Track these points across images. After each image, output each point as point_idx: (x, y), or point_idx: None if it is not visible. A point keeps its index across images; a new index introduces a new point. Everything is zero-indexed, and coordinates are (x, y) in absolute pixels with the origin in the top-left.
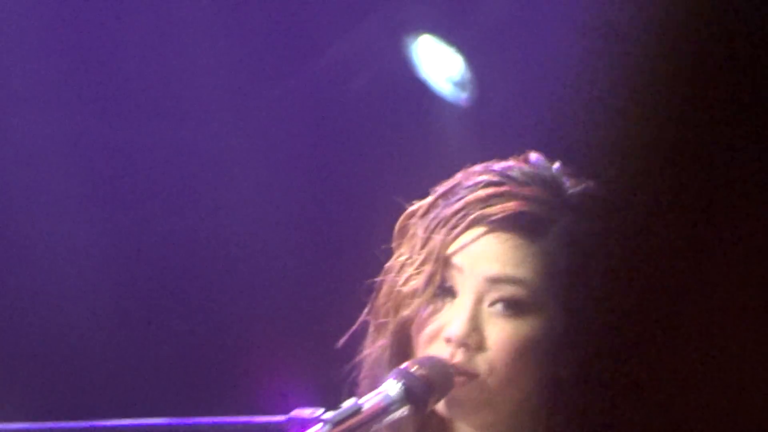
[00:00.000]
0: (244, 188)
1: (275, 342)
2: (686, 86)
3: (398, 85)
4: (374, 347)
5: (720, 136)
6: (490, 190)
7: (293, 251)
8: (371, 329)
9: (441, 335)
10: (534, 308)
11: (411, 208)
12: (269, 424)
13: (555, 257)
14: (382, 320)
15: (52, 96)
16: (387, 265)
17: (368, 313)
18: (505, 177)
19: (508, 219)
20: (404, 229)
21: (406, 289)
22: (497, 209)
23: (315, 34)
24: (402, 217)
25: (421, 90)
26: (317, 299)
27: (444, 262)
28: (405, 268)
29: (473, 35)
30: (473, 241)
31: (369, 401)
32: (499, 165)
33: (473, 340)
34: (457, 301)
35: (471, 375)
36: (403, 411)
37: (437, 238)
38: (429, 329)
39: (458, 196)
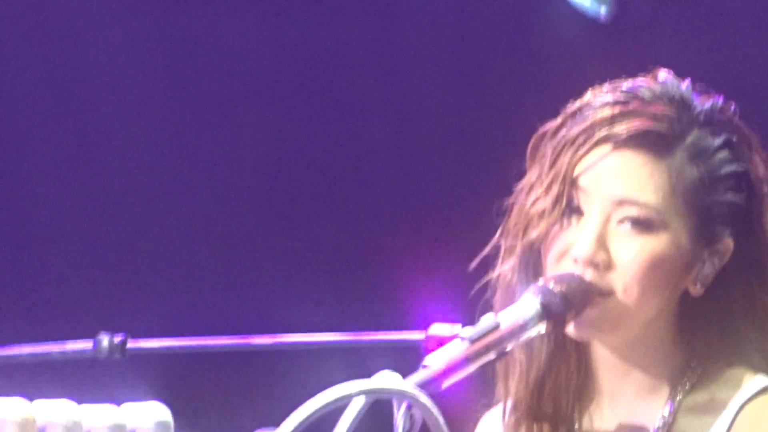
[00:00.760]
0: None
1: (415, 259)
2: None
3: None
4: (505, 269)
5: None
6: (616, 109)
7: (433, 170)
8: (503, 250)
9: (569, 255)
10: (661, 225)
11: (542, 129)
12: (408, 340)
13: (682, 173)
14: (512, 241)
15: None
16: (518, 186)
17: (500, 235)
18: (631, 95)
19: (633, 137)
20: (535, 150)
21: (534, 209)
22: (622, 128)
23: None
24: (534, 138)
25: (559, 3)
26: (456, 218)
27: (570, 183)
28: (534, 189)
29: None
30: (599, 160)
31: (506, 318)
32: (627, 83)
33: (601, 258)
34: (583, 220)
35: (606, 293)
36: (540, 328)
37: (564, 158)
38: (556, 249)
39: (585, 116)
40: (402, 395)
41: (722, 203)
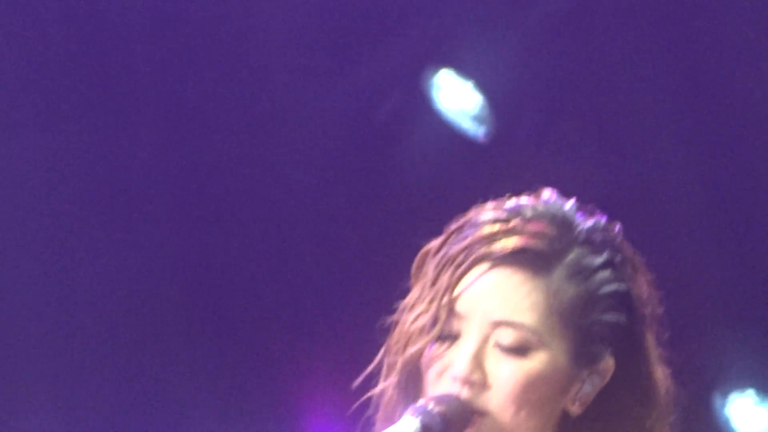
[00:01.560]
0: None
1: (299, 374)
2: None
3: (416, 120)
4: (386, 385)
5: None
6: (496, 227)
7: (315, 290)
8: (385, 367)
9: (447, 374)
10: (538, 345)
11: (426, 247)
12: None
13: (560, 292)
14: (393, 358)
15: None
16: (403, 302)
17: (384, 352)
18: (513, 214)
19: (511, 255)
20: (419, 268)
21: (414, 327)
22: (500, 246)
23: (336, 63)
24: (419, 255)
25: (438, 124)
26: (341, 335)
27: (450, 302)
28: (416, 307)
29: (492, 70)
30: (477, 278)
31: None
32: (510, 202)
33: (477, 377)
34: (461, 340)
35: (482, 412)
36: None
37: (444, 277)
38: (435, 368)
39: (466, 234)
40: None
41: (602, 323)
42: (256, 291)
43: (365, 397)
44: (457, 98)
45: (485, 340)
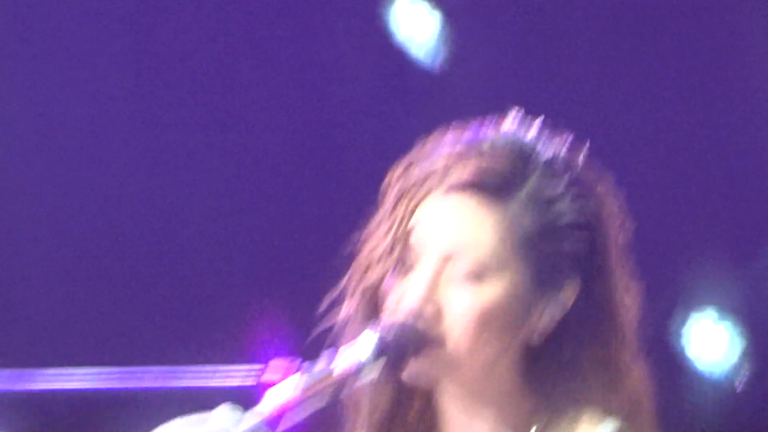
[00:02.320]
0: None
1: (260, 297)
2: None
3: (375, 48)
4: (347, 311)
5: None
6: (453, 157)
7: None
8: (347, 293)
9: (402, 305)
10: (493, 276)
11: (390, 175)
12: (245, 374)
13: (517, 223)
14: (354, 285)
15: None
16: (366, 230)
17: (348, 277)
18: (471, 142)
19: (466, 186)
20: (383, 194)
21: (372, 255)
22: (456, 176)
23: None
24: (384, 183)
25: (397, 52)
26: (306, 256)
27: (405, 233)
28: (374, 235)
29: None
30: (432, 209)
31: (341, 363)
32: (469, 130)
33: (430, 309)
34: (416, 271)
35: (437, 342)
36: (373, 376)
37: (401, 206)
38: (392, 298)
39: (424, 164)
40: None
41: (562, 252)
42: (216, 215)
43: (328, 323)
44: (413, 23)
45: (440, 271)
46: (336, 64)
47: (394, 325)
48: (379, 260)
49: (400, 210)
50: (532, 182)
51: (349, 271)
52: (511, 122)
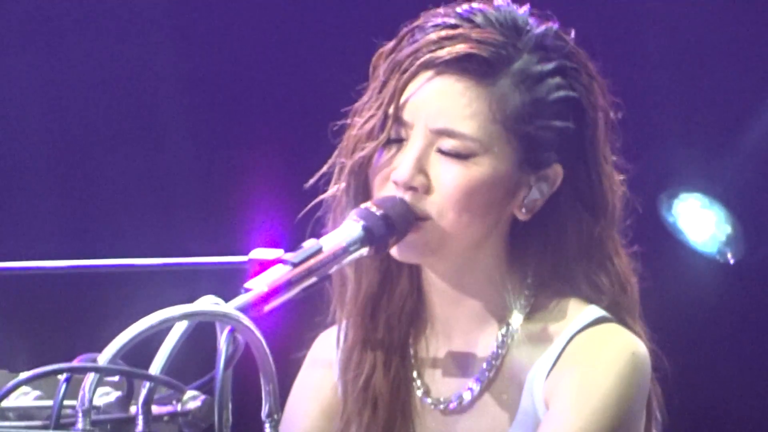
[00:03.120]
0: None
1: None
2: None
3: None
4: (337, 187)
5: None
6: (443, 33)
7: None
8: (336, 170)
9: (391, 179)
10: (480, 152)
11: (381, 49)
12: (229, 264)
13: (505, 99)
14: (343, 161)
15: None
16: (355, 105)
17: (337, 154)
18: (462, 19)
19: (454, 62)
20: (374, 70)
21: (362, 131)
22: (444, 52)
23: None
24: (374, 57)
25: None
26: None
27: (395, 109)
28: (365, 111)
29: None
30: (421, 86)
31: (329, 241)
32: (461, 7)
33: (419, 182)
34: (406, 146)
35: (424, 216)
36: (363, 251)
37: (391, 82)
38: (382, 173)
39: (414, 39)
40: (224, 319)
41: (549, 129)
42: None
43: (317, 199)
44: None
45: (428, 147)
46: None
47: (384, 199)
48: (368, 137)
49: (391, 85)
50: (522, 60)
51: (339, 148)
52: None
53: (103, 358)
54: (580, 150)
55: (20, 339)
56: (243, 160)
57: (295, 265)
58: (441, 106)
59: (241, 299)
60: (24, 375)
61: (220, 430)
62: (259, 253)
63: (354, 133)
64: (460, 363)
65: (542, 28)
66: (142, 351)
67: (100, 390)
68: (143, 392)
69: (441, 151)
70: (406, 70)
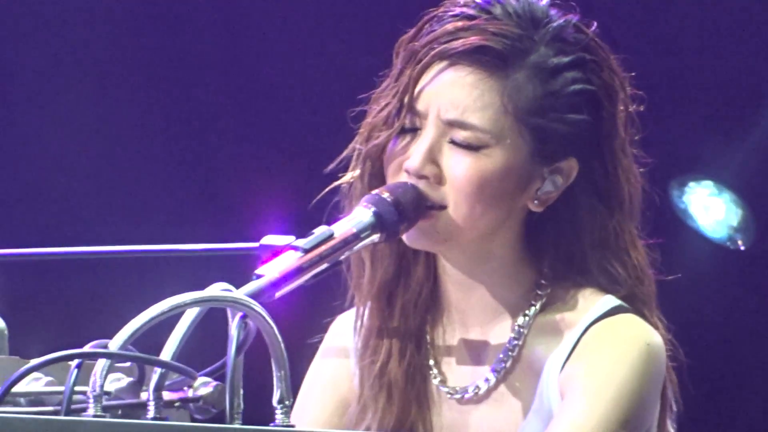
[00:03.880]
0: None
1: (255, 171)
2: None
3: None
4: (352, 174)
5: None
6: (459, 24)
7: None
8: (354, 156)
9: (403, 167)
10: (492, 143)
11: (402, 37)
12: (241, 250)
13: (519, 92)
14: (359, 147)
15: None
16: (375, 92)
17: (355, 140)
18: (481, 10)
19: (468, 53)
20: (395, 57)
21: (377, 119)
22: (459, 43)
23: None
24: (396, 45)
25: None
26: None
27: (410, 98)
28: (381, 99)
29: None
30: (435, 76)
31: (341, 227)
32: None
33: (431, 172)
34: (419, 136)
35: (437, 205)
36: (374, 238)
37: (407, 71)
38: (395, 162)
39: (432, 29)
40: (236, 305)
41: (564, 122)
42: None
43: (331, 185)
44: None
45: (440, 137)
46: None
47: (395, 186)
48: (384, 125)
49: (407, 74)
50: (538, 53)
51: (358, 134)
52: None
53: (115, 344)
54: (596, 143)
55: (32, 325)
56: (257, 147)
57: (306, 251)
58: (453, 98)
59: (253, 285)
60: (35, 361)
61: (232, 416)
62: (271, 240)
63: (370, 120)
64: (476, 352)
65: (561, 20)
66: (153, 337)
67: (112, 376)
68: (154, 378)
69: (453, 142)
70: (420, 60)
